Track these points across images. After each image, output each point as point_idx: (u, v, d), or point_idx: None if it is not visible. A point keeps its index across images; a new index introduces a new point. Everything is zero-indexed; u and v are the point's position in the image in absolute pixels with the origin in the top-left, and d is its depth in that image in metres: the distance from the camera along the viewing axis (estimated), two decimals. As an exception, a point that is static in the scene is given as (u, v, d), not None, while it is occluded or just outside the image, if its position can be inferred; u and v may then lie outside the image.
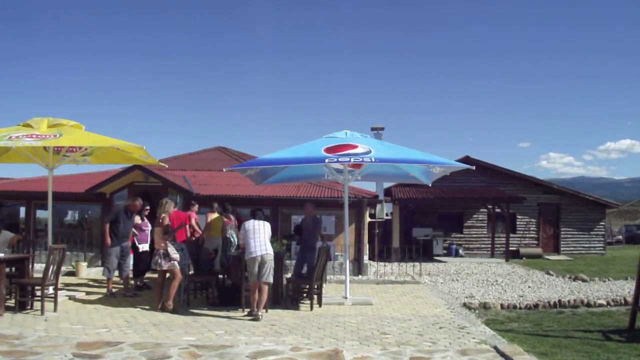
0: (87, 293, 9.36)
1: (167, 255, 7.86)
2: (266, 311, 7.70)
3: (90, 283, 10.73)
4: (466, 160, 21.08)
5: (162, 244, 7.89)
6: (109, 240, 9.18)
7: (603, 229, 24.03)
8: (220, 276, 9.27)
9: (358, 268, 13.38)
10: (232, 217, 9.84)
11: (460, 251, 21.61)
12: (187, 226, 8.94)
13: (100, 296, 9.05)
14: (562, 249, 22.92)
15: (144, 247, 10.01)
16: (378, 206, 17.26)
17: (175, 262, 7.90)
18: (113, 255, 9.19)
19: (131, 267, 9.79)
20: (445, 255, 21.09)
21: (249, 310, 7.53)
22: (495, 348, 5.75)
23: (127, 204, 9.61)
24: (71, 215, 14.85)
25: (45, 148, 8.78)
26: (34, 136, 7.94)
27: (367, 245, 14.91)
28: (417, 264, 13.76)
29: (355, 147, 8.43)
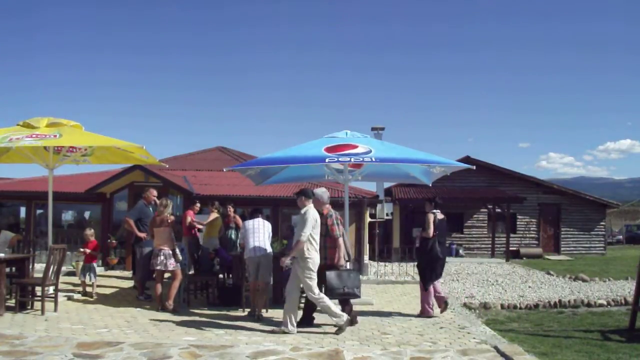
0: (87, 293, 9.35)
1: (173, 256, 7.84)
2: (266, 311, 7.70)
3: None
4: (466, 160, 21.09)
5: (167, 244, 7.86)
6: (141, 234, 8.78)
7: (603, 229, 24.04)
8: (221, 276, 9.27)
9: (358, 268, 13.36)
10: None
11: (461, 251, 21.60)
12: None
13: (100, 296, 9.05)
14: (562, 249, 22.95)
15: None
16: (378, 206, 17.26)
17: (178, 263, 7.90)
18: (147, 256, 8.53)
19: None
20: (445, 255, 21.10)
21: (249, 310, 7.53)
22: (496, 348, 5.75)
23: (143, 196, 9.35)
24: (71, 216, 14.86)
25: (45, 148, 8.75)
26: (34, 135, 7.93)
27: (368, 245, 14.90)
28: (417, 264, 13.74)
29: (355, 147, 8.41)
